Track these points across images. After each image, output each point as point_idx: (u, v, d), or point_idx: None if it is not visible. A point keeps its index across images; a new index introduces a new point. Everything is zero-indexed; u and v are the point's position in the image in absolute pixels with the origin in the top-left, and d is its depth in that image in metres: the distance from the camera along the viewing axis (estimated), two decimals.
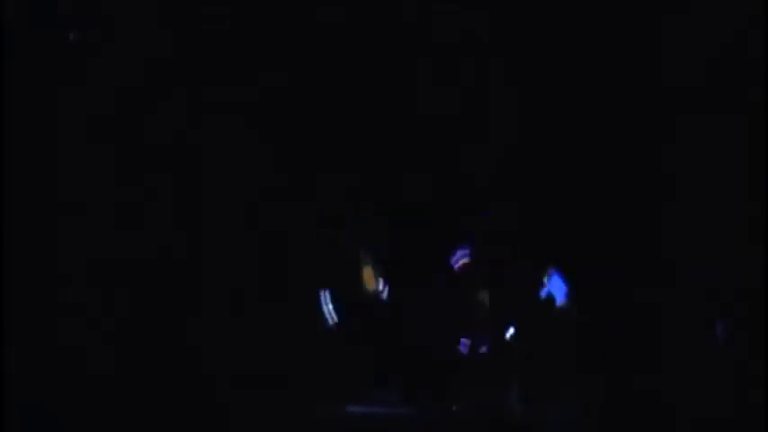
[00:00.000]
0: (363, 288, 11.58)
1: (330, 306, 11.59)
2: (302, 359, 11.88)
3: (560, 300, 12.32)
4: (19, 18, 10.98)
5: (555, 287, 12.24)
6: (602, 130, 12.46)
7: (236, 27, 12.07)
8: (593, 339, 12.15)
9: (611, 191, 12.38)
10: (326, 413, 11.25)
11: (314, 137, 12.34)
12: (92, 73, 11.53)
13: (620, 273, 12.21)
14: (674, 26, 11.93)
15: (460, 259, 12.05)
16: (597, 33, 12.36)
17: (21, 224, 10.96)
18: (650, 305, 11.88)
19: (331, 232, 11.79)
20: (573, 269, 12.50)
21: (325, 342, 12.10)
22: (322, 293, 11.55)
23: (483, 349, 11.95)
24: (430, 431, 11.39)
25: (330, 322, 11.56)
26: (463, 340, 12.01)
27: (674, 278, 11.80)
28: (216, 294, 11.84)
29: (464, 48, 12.69)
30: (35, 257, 11.02)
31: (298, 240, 11.90)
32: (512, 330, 12.11)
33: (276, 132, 12.25)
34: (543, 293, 12.22)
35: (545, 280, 12.16)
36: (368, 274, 11.74)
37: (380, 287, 11.78)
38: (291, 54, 12.39)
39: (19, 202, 10.99)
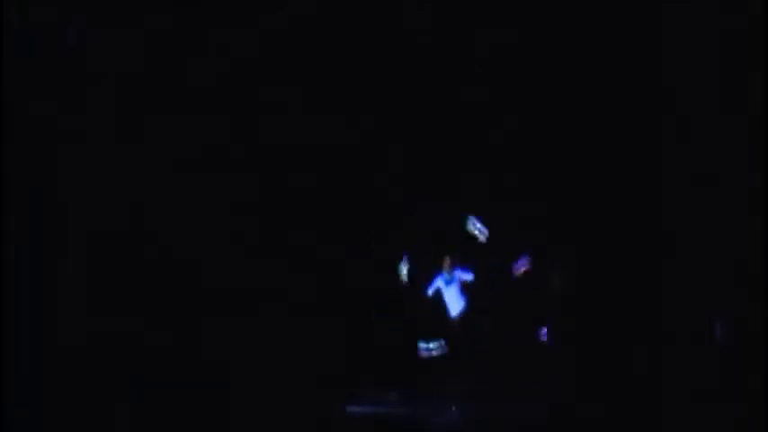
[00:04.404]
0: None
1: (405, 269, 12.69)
2: (304, 360, 11.93)
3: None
4: (19, 18, 11.03)
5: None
6: (603, 133, 12.47)
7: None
8: (595, 337, 12.17)
9: (612, 192, 12.39)
10: (326, 413, 11.27)
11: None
12: (91, 73, 11.62)
13: (621, 273, 12.21)
14: (674, 26, 11.94)
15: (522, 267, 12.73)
16: (600, 35, 12.42)
17: (22, 222, 11.02)
18: (650, 305, 11.88)
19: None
20: (574, 269, 12.53)
21: (327, 343, 12.16)
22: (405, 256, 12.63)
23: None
24: (430, 431, 11.41)
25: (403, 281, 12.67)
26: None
27: (674, 278, 11.80)
28: (219, 294, 11.91)
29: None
30: (36, 259, 11.08)
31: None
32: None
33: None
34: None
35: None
36: (446, 262, 12.62)
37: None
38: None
39: (20, 203, 11.03)
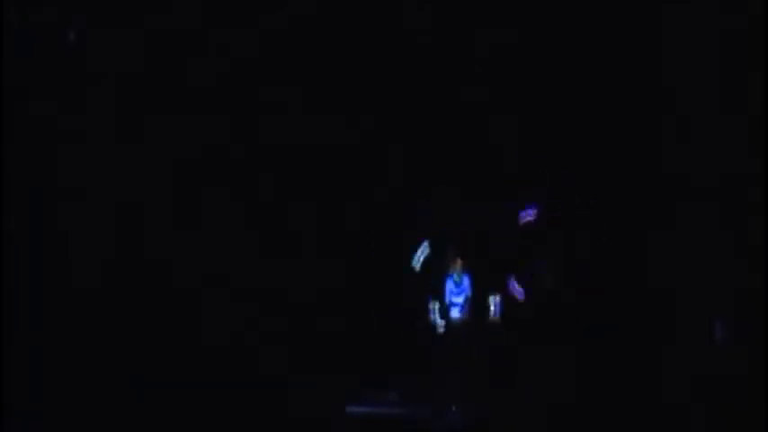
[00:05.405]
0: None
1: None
2: (304, 359, 11.93)
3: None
4: (19, 18, 11.05)
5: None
6: (603, 133, 12.49)
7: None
8: (595, 338, 12.18)
9: (613, 191, 12.40)
10: (326, 413, 11.28)
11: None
12: (91, 72, 11.63)
13: (622, 273, 12.23)
14: (674, 26, 11.96)
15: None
16: (601, 35, 12.44)
17: (22, 222, 11.04)
18: (651, 305, 11.89)
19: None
20: (574, 269, 12.56)
21: (327, 342, 12.17)
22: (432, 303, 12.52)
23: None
24: (430, 431, 11.42)
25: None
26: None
27: (674, 278, 11.81)
28: (218, 294, 11.91)
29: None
30: (36, 258, 11.10)
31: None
32: None
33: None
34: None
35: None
36: (458, 265, 12.39)
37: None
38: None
39: (20, 203, 11.05)
